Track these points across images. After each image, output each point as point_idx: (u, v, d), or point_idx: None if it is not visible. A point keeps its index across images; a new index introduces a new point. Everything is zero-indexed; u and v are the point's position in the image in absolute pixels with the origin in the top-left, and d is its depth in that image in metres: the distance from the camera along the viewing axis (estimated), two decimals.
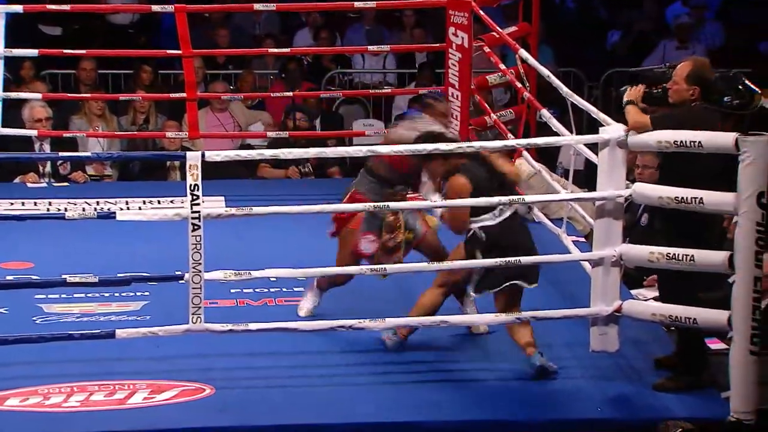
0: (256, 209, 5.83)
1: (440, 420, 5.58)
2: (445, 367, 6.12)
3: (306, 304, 6.62)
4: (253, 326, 5.82)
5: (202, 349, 6.06)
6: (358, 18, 11.76)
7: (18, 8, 8.70)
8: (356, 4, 9.17)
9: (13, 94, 9.00)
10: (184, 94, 9.02)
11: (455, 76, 8.95)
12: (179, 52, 8.89)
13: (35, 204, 8.41)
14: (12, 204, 8.40)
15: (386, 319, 5.89)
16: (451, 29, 8.94)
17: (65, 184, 9.00)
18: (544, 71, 7.83)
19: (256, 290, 6.98)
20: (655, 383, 5.87)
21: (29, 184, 8.96)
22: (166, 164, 9.36)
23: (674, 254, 5.72)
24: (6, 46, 8.64)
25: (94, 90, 9.95)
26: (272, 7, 9.15)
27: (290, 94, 9.73)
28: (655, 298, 6.29)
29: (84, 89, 9.96)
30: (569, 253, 6.86)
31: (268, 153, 5.65)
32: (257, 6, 9.04)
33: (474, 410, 5.66)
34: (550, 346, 6.13)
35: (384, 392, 5.81)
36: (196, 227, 5.62)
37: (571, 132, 7.34)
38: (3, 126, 8.76)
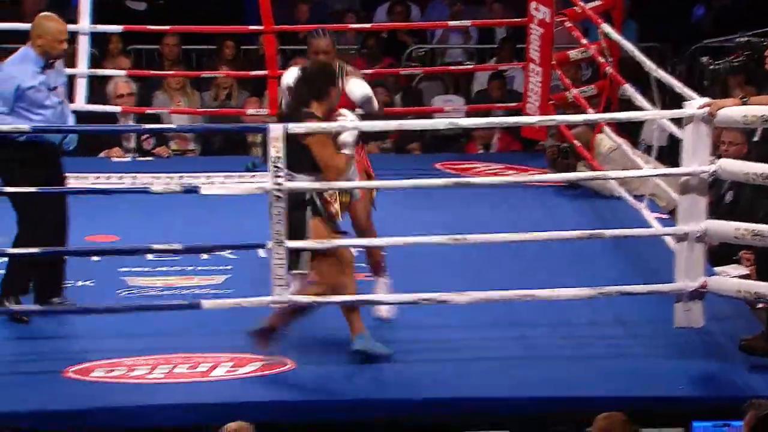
0: (336, 183, 5.81)
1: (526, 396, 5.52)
2: (507, 344, 6.03)
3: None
4: (334, 299, 5.80)
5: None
6: None
7: None
8: None
9: (99, 71, 9.06)
10: (265, 72, 9.03)
11: (536, 51, 8.86)
12: (260, 28, 8.90)
13: (120, 178, 8.47)
14: (97, 178, 8.46)
15: (470, 292, 5.85)
16: (533, 4, 8.84)
17: (149, 158, 9.06)
18: (628, 46, 7.72)
19: None
20: (742, 342, 5.76)
21: (114, 159, 9.03)
22: (247, 140, 9.38)
23: (760, 231, 5.61)
24: (93, 22, 8.69)
25: (177, 65, 10.00)
26: None
27: (370, 71, 9.70)
28: (742, 276, 6.19)
29: (167, 65, 10.01)
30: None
31: (350, 125, 5.62)
32: None
33: (559, 387, 5.60)
34: (633, 322, 6.05)
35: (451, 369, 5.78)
36: (278, 198, 5.61)
37: (654, 108, 7.23)
38: (89, 102, 8.82)
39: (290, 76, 6.14)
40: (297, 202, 5.68)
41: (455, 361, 5.84)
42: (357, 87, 6.20)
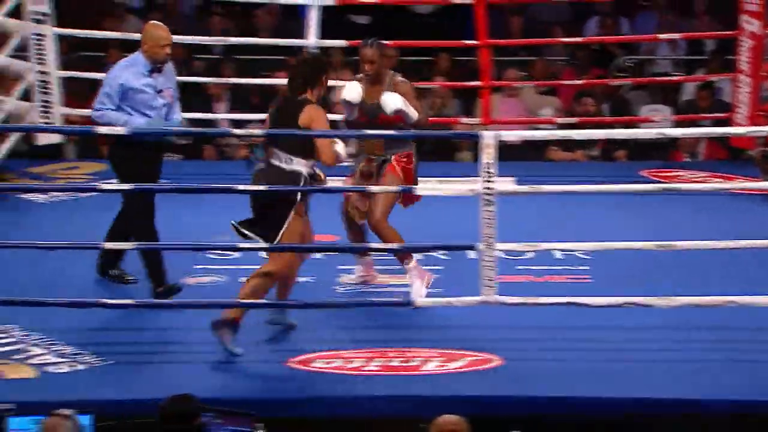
0: (545, 187, 5.83)
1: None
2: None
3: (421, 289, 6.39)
4: (543, 300, 5.82)
5: (489, 321, 6.10)
6: (649, 6, 11.53)
7: (330, 1, 9.06)
8: None
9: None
10: (479, 83, 9.10)
11: (746, 62, 8.69)
12: (476, 42, 8.97)
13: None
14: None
15: (673, 297, 5.78)
16: (744, 16, 8.69)
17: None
18: None
19: (541, 267, 6.96)
20: None
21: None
22: (456, 146, 9.43)
23: None
24: (319, 37, 8.91)
25: None
26: None
27: (581, 81, 9.68)
28: None
29: None
30: None
31: (560, 134, 5.66)
32: None
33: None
34: None
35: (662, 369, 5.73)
36: (489, 203, 5.66)
37: None
38: None
39: (350, 90, 6.37)
40: (287, 201, 5.86)
41: (660, 363, 5.80)
42: (390, 100, 6.35)
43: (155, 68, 6.48)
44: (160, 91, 6.51)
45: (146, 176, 6.37)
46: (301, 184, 5.91)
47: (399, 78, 6.58)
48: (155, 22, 6.73)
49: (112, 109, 6.45)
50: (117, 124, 6.40)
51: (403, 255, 6.41)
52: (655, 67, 11.12)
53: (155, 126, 6.46)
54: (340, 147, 5.98)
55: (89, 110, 6.47)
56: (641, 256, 6.47)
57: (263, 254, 6.19)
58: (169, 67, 6.59)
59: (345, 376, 5.68)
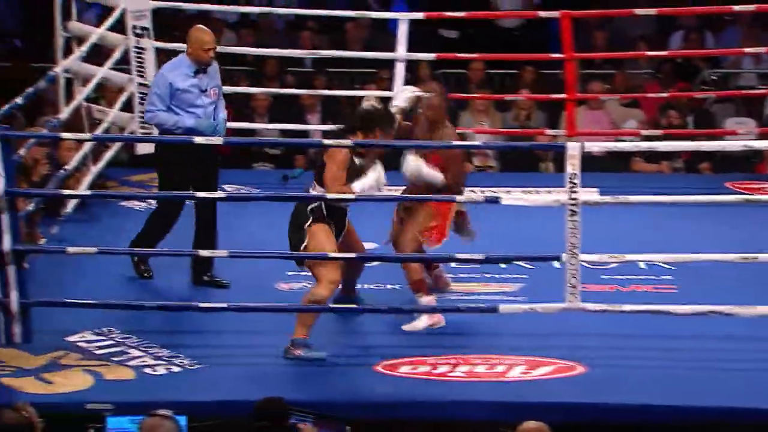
0: (630, 198, 5.81)
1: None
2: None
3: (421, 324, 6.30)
4: (626, 307, 5.79)
5: (573, 329, 6.08)
6: (733, 20, 11.41)
7: (419, 15, 9.11)
8: (735, 7, 8.93)
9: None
10: (563, 95, 9.09)
11: None
12: (561, 55, 8.96)
13: None
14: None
15: (756, 307, 5.72)
16: None
17: None
18: None
19: (626, 277, 6.92)
20: None
21: None
22: (540, 157, 9.44)
23: None
24: (411, 45, 8.96)
25: (482, 89, 10.17)
26: (652, 12, 9.05)
27: (665, 94, 9.62)
28: None
29: (472, 88, 10.19)
30: None
31: (644, 145, 5.65)
32: (637, 11, 8.97)
33: None
34: None
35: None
36: (573, 213, 5.66)
37: None
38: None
39: (402, 98, 6.30)
40: (299, 222, 5.97)
41: (744, 372, 5.75)
42: (411, 164, 6.22)
43: (200, 69, 6.71)
44: (204, 91, 6.72)
45: (185, 180, 6.59)
46: (309, 209, 5.97)
47: (448, 127, 6.40)
48: (201, 26, 6.90)
49: (163, 110, 6.67)
50: (167, 125, 6.66)
51: (419, 286, 6.31)
52: (740, 80, 11.00)
53: (204, 125, 6.64)
54: (367, 181, 5.94)
55: None
56: (725, 267, 6.41)
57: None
58: (214, 67, 6.81)
59: (431, 381, 5.70)
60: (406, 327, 6.16)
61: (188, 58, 6.73)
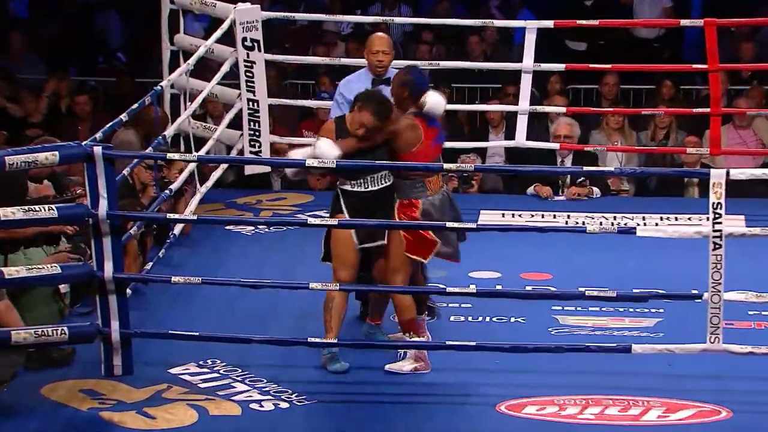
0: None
1: None
2: None
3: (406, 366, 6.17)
4: None
5: (716, 370, 6.00)
6: None
7: (548, 23, 8.97)
8: None
9: (539, 108, 9.24)
10: (707, 110, 8.93)
11: None
12: (705, 66, 8.80)
13: (554, 216, 8.63)
14: (532, 216, 8.67)
15: None
16: None
17: (581, 198, 9.12)
18: None
19: None
20: None
21: (543, 196, 9.17)
22: (683, 181, 9.30)
23: None
24: (535, 60, 8.92)
25: (615, 105, 10.06)
26: None
27: None
28: None
29: (605, 104, 10.09)
30: None
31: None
32: None
33: None
34: None
35: None
36: (717, 246, 5.55)
37: None
38: (527, 138, 9.02)
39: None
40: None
41: None
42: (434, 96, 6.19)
43: (379, 80, 6.75)
44: None
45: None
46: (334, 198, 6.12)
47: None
48: (379, 33, 6.97)
49: None
50: None
51: (411, 326, 6.18)
52: None
53: None
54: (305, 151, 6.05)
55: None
56: None
57: None
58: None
59: (558, 424, 5.65)
60: (389, 366, 6.12)
61: (368, 68, 6.85)
